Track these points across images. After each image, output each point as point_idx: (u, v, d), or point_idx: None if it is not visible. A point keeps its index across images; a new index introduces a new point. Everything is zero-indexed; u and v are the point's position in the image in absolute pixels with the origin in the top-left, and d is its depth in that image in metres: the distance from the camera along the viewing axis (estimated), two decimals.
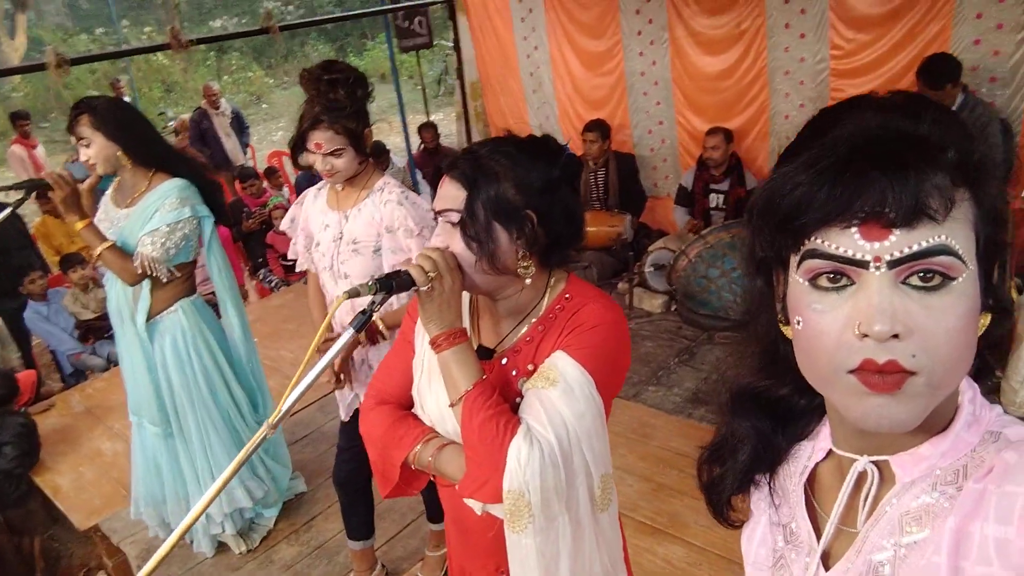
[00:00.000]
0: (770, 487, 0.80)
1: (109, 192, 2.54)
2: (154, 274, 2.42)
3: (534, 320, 1.31)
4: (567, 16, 5.52)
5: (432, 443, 1.34)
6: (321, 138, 1.98)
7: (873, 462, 0.67)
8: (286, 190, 7.43)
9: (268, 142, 12.72)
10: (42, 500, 3.69)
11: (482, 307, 1.39)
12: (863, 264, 0.58)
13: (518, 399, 1.29)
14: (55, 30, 17.05)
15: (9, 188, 2.48)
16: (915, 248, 0.57)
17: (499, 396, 1.24)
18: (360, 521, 2.56)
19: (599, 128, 4.87)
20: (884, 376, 0.58)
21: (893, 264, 0.57)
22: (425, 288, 1.20)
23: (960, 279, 0.58)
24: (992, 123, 3.60)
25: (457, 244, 1.22)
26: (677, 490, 2.94)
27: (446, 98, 13.43)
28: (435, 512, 2.69)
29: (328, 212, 2.18)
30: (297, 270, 2.38)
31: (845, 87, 4.30)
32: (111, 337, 3.86)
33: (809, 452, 0.77)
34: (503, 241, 1.22)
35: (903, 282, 0.58)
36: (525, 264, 1.25)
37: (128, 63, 10.49)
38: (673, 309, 4.45)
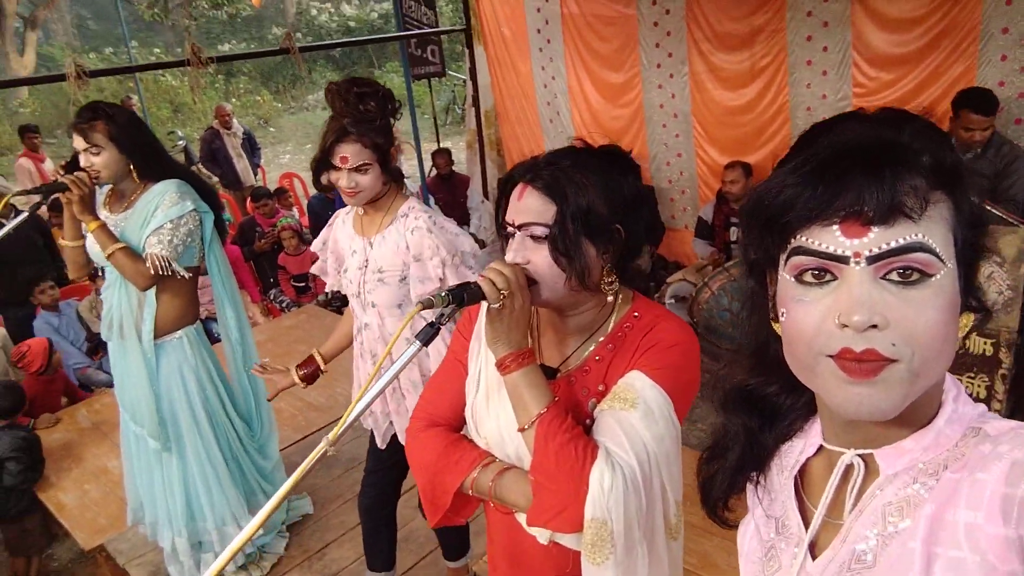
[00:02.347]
0: (757, 482, 0.84)
1: (102, 199, 2.52)
2: (167, 273, 2.37)
3: (602, 338, 1.27)
4: (586, 47, 5.55)
5: (492, 467, 1.28)
6: (348, 151, 1.88)
7: (859, 455, 0.71)
8: (296, 211, 7.41)
9: (276, 164, 12.73)
10: (41, 518, 3.59)
11: (545, 324, 1.33)
12: (844, 259, 0.62)
13: (588, 421, 1.24)
14: (64, 48, 17.14)
15: (28, 192, 2.44)
16: (892, 244, 0.61)
17: (572, 419, 1.18)
18: (382, 551, 2.47)
19: None
20: (862, 363, 0.61)
21: (872, 260, 0.61)
22: (496, 306, 1.15)
23: (938, 276, 0.61)
24: (1018, 160, 3.61)
25: (541, 259, 1.17)
26: (705, 529, 2.85)
27: (454, 127, 13.51)
28: (451, 550, 2.59)
29: (355, 237, 2.11)
30: (327, 290, 2.33)
31: None
32: None
33: (800, 448, 0.80)
34: (591, 257, 1.18)
35: (883, 278, 0.62)
36: (610, 280, 1.21)
37: (137, 83, 10.53)
38: None
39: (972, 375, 3.09)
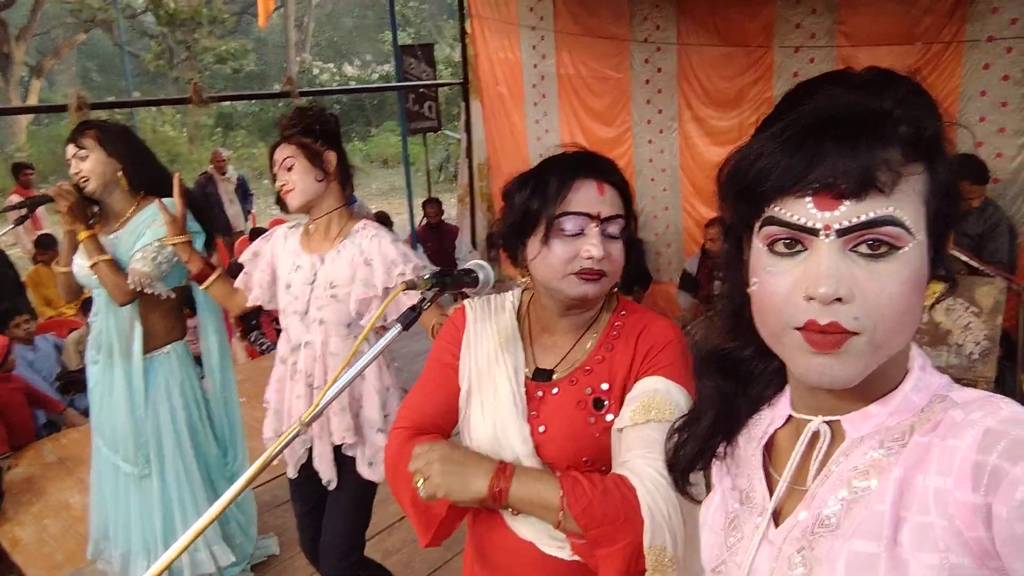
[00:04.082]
0: (726, 455, 0.83)
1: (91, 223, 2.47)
2: (147, 291, 2.33)
3: (596, 335, 1.27)
4: (579, 103, 5.67)
5: (500, 473, 1.19)
6: (277, 154, 1.99)
7: (826, 422, 0.71)
8: None
9: (268, 214, 12.77)
10: None
11: (540, 328, 1.32)
12: (814, 232, 0.62)
13: (592, 419, 1.22)
14: (67, 97, 17.45)
15: (12, 208, 2.42)
16: (863, 218, 0.61)
17: (578, 473, 1.14)
18: None
19: None
20: (826, 336, 0.62)
21: (842, 233, 0.61)
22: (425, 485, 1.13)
23: (906, 248, 0.61)
24: (1002, 223, 3.67)
25: (618, 254, 1.21)
26: None
27: (446, 184, 13.70)
28: None
29: (300, 254, 2.07)
30: (249, 304, 2.23)
31: None
32: None
33: (769, 420, 0.80)
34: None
35: (852, 249, 0.62)
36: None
37: (136, 131, 10.66)
38: None
39: None
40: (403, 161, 8.38)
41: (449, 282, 1.16)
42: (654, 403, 1.15)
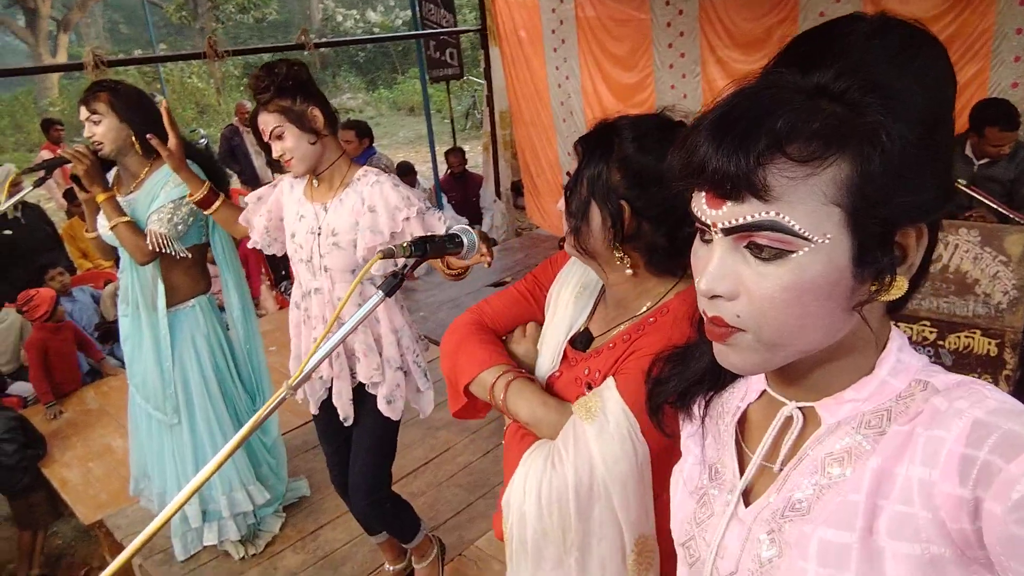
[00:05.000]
0: (703, 422, 0.82)
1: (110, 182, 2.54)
2: (165, 251, 2.41)
3: (628, 324, 1.19)
4: (600, 48, 5.57)
5: (505, 376, 1.23)
6: (261, 123, 1.94)
7: (799, 408, 0.70)
8: None
9: None
10: (47, 494, 3.65)
11: (604, 296, 1.30)
12: (708, 227, 0.63)
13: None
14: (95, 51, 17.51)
15: (31, 169, 2.49)
16: (740, 221, 0.60)
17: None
18: None
19: None
20: (714, 327, 0.64)
21: (727, 232, 0.61)
22: None
23: (799, 253, 0.59)
24: None
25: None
26: None
27: (473, 131, 13.58)
28: (404, 534, 2.50)
29: (304, 203, 2.08)
30: (250, 246, 2.27)
31: None
32: None
33: (742, 394, 0.79)
34: (595, 223, 1.12)
35: (746, 246, 0.61)
36: (620, 255, 1.13)
37: (163, 84, 10.72)
38: None
39: (976, 376, 3.05)
40: (424, 112, 8.34)
41: (430, 249, 1.16)
42: (590, 401, 1.12)
